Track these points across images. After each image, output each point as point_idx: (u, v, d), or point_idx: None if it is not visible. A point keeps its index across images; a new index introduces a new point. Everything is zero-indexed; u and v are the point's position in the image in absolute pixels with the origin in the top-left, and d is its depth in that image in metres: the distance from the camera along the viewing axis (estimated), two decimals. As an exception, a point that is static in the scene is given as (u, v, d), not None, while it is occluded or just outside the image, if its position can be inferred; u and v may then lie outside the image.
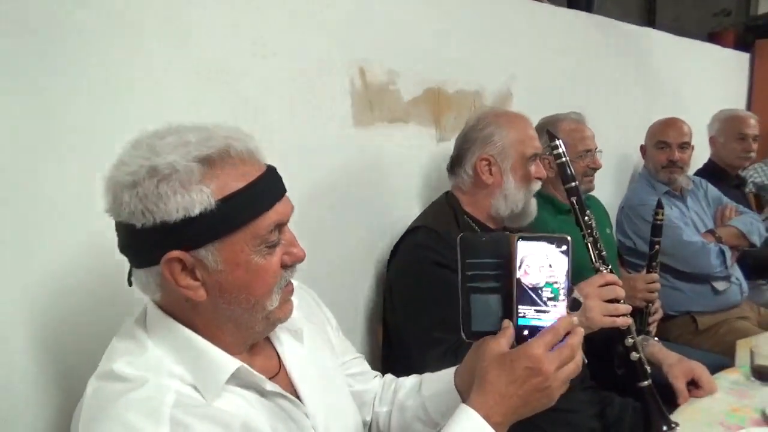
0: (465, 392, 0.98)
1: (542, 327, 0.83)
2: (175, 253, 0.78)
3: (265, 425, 0.85)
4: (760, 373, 1.50)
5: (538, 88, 2.38)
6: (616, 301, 1.30)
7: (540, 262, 0.83)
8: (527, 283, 0.83)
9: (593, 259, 1.40)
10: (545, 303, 0.83)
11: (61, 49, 1.12)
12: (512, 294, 0.84)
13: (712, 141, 2.98)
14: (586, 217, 1.41)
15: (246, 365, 0.85)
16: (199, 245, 0.78)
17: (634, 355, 1.40)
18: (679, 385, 1.49)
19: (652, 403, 1.38)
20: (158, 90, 1.27)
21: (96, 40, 1.16)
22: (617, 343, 1.44)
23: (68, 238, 1.13)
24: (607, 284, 1.31)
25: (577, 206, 1.42)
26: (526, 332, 0.84)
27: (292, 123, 1.55)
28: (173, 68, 1.30)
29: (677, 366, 1.54)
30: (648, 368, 1.42)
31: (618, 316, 1.31)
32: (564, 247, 0.82)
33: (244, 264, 0.81)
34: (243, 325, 0.86)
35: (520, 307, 0.84)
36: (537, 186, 1.66)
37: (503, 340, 0.84)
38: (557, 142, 1.42)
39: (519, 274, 0.83)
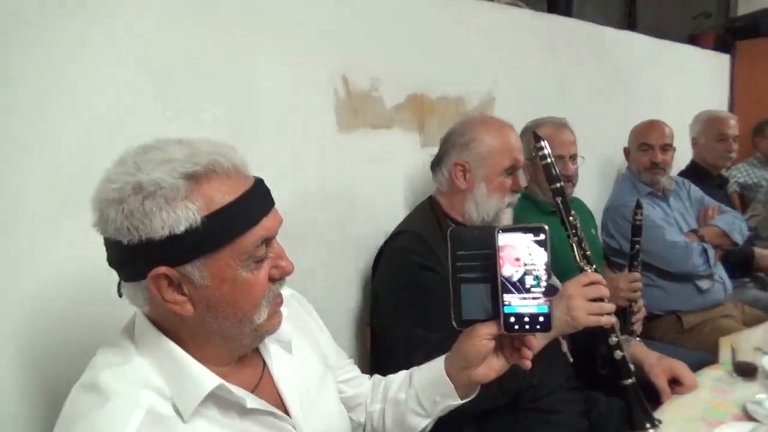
0: (456, 378, 1.00)
1: (527, 313, 0.87)
2: (161, 269, 0.77)
3: None
4: (741, 369, 1.52)
5: (521, 93, 2.40)
6: (600, 300, 1.31)
7: (520, 252, 0.86)
8: (509, 273, 0.87)
9: (578, 259, 1.41)
10: (528, 290, 0.86)
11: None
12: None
13: (694, 142, 3.03)
14: (571, 217, 1.41)
15: (226, 384, 0.83)
16: (185, 261, 0.78)
17: (618, 354, 1.41)
18: (661, 383, 1.51)
19: (636, 401, 1.39)
20: (150, 103, 1.28)
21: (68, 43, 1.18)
22: (601, 343, 1.46)
23: (57, 249, 1.14)
24: (591, 283, 1.31)
25: (562, 206, 1.42)
26: (512, 319, 0.87)
27: (277, 131, 1.57)
28: (164, 77, 1.31)
29: (658, 364, 1.56)
30: (632, 366, 1.44)
31: (602, 314, 1.30)
32: (542, 236, 0.86)
33: (230, 279, 0.81)
34: (231, 338, 0.86)
35: (504, 295, 0.87)
36: (513, 198, 1.65)
37: (494, 327, 0.89)
38: (542, 143, 1.42)
39: (501, 264, 0.87)
